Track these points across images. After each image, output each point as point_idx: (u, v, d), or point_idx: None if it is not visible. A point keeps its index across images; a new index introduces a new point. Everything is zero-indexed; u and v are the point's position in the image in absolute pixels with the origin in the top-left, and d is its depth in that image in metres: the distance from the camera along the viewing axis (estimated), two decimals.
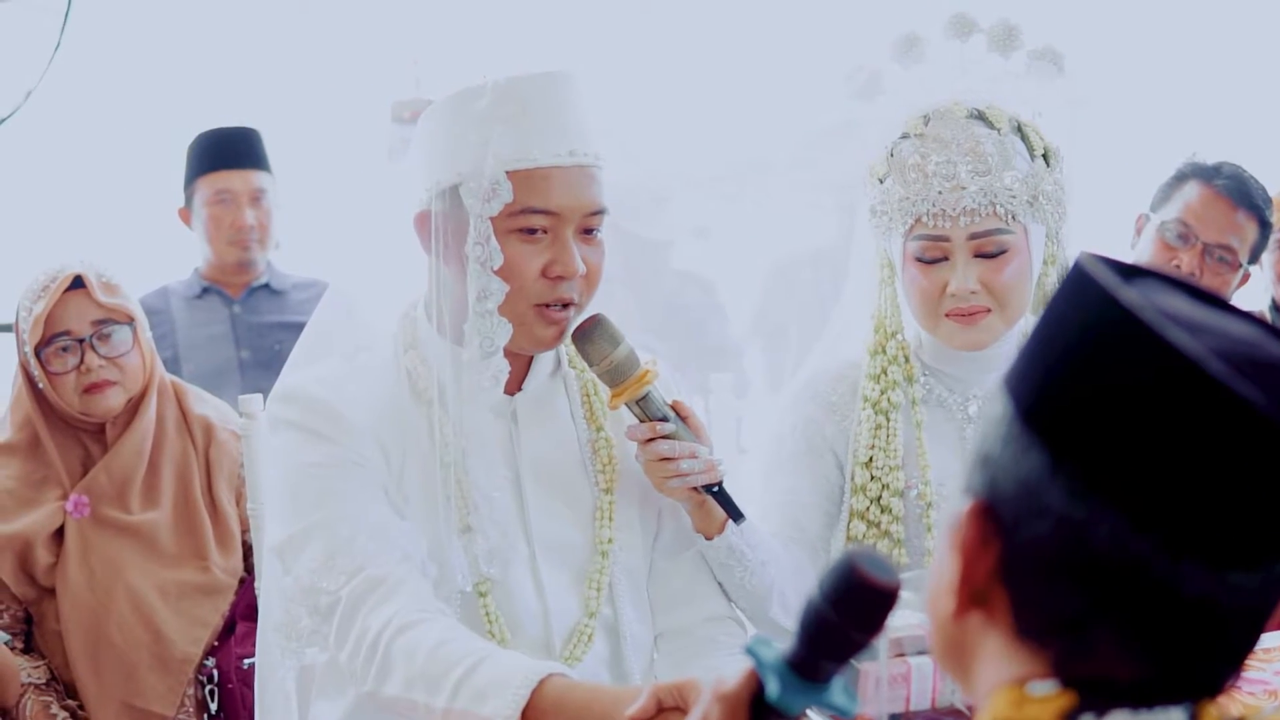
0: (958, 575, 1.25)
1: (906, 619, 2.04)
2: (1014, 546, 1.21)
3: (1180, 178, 3.91)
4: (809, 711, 1.47)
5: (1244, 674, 1.25)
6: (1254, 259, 3.91)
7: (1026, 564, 1.21)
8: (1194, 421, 1.12)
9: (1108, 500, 1.15)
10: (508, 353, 2.39)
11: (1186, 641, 1.18)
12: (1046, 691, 1.20)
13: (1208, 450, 1.12)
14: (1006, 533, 1.22)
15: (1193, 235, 3.85)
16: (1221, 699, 1.23)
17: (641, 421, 2.47)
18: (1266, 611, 1.20)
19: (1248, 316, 1.22)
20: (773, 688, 1.42)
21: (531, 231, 2.36)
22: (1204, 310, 1.21)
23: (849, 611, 1.38)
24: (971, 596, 1.25)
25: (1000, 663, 1.24)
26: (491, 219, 2.33)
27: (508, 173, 2.33)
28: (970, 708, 2.03)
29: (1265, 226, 3.88)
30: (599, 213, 2.41)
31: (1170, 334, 1.12)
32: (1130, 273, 1.22)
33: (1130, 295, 1.15)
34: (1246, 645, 1.22)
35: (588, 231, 2.42)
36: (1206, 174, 3.89)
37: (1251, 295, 4.11)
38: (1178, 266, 3.82)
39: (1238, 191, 3.85)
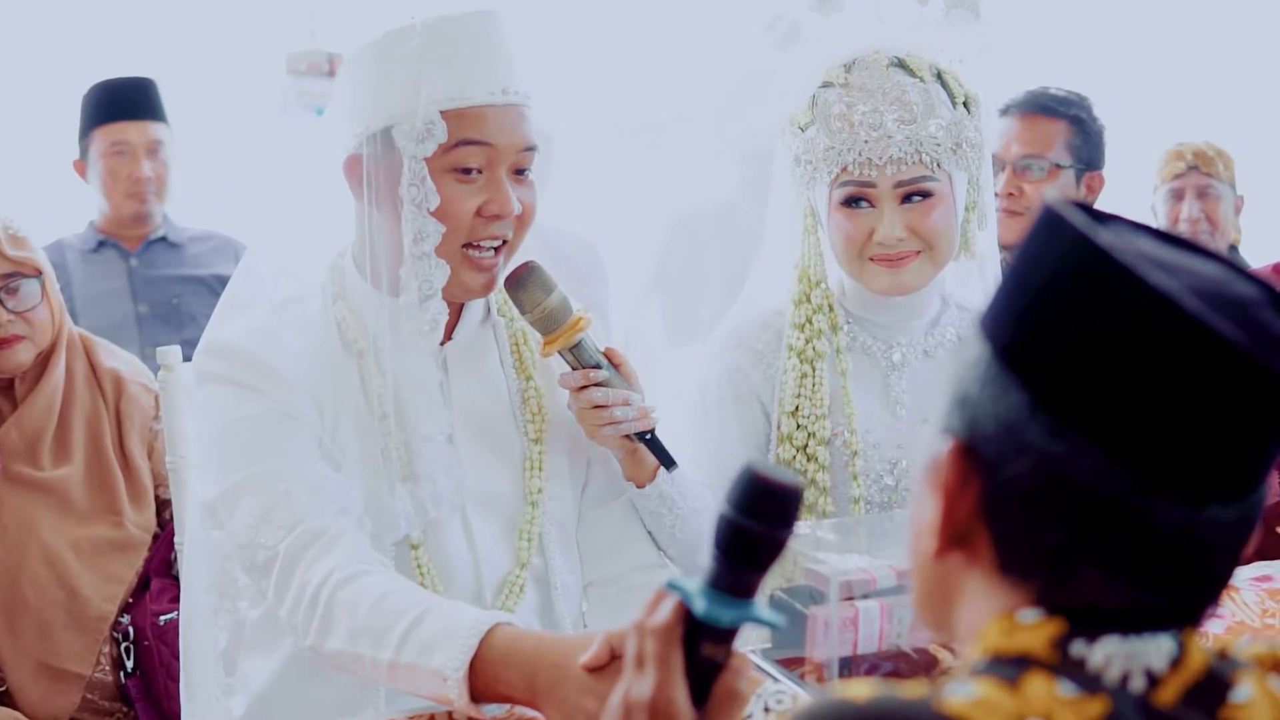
0: (939, 515, 1.27)
1: (853, 563, 2.05)
2: (995, 484, 1.23)
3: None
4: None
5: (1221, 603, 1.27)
6: (1088, 162, 3.97)
7: (1008, 501, 1.23)
8: (1170, 357, 1.15)
9: (1087, 435, 1.17)
10: None
11: (1168, 572, 1.20)
12: (1036, 618, 1.21)
13: (1183, 384, 1.15)
14: (988, 471, 1.23)
15: (999, 160, 3.95)
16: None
17: (574, 369, 2.47)
18: (1241, 542, 1.23)
19: (1214, 256, 1.24)
20: (699, 605, 1.46)
21: (466, 171, 2.34)
22: (1173, 251, 1.23)
23: (760, 512, 1.42)
24: (953, 536, 1.27)
25: (983, 600, 1.26)
26: (426, 160, 2.31)
27: (441, 113, 2.30)
28: (918, 649, 2.05)
29: (1077, 122, 3.96)
30: (531, 149, 2.40)
31: (1146, 272, 1.15)
32: (1098, 217, 1.24)
33: (1106, 236, 1.18)
34: (1225, 575, 1.24)
35: (519, 171, 2.40)
36: (1004, 109, 4.00)
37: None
38: (998, 195, 3.87)
39: (1028, 104, 3.98)
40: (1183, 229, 4.45)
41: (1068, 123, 3.92)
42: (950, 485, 1.26)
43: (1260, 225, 4.98)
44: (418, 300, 2.35)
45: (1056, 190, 3.90)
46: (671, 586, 1.49)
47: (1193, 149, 4.50)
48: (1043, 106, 3.93)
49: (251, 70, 5.88)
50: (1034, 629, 1.21)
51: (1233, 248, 4.59)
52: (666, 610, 1.49)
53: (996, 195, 3.89)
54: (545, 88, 2.52)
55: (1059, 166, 3.93)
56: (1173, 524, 1.17)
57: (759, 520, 1.42)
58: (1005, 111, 3.96)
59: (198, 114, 5.29)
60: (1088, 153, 3.95)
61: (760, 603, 1.47)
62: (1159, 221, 4.53)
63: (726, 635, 1.48)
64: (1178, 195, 4.51)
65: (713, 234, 5.23)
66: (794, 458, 2.72)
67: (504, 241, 2.40)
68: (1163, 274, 1.16)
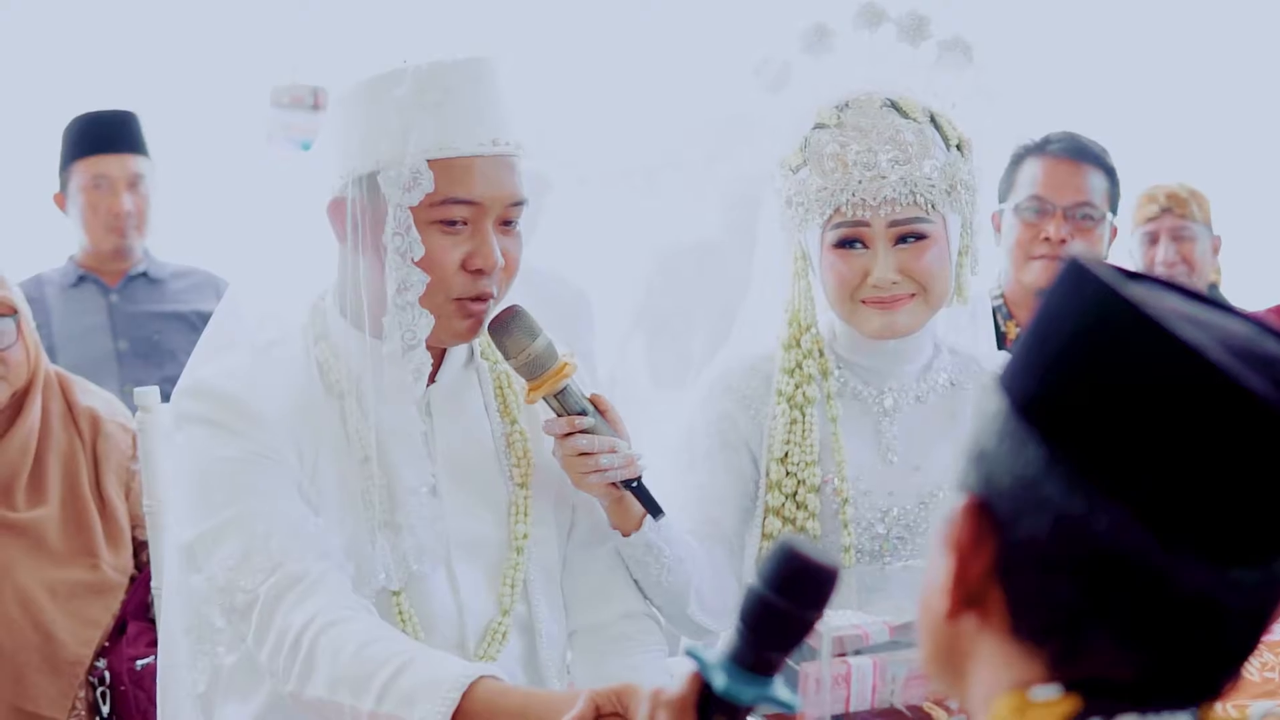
0: (952, 574, 1.23)
1: (846, 618, 2.02)
2: (1011, 543, 1.19)
3: (1016, 161, 3.98)
4: None
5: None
6: (1114, 209, 3.98)
7: (1024, 560, 1.19)
8: (1199, 413, 1.12)
9: (1109, 492, 1.14)
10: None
11: (1185, 640, 1.16)
12: (1050, 696, 1.18)
13: (1211, 441, 1.12)
14: (1003, 529, 1.20)
15: (1049, 204, 3.91)
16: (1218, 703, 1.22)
17: (559, 415, 2.42)
18: (1267, 613, 1.19)
19: (1241, 315, 1.21)
20: (719, 680, 1.43)
21: (452, 223, 2.30)
22: (1201, 308, 1.21)
23: (795, 593, 1.39)
24: (966, 597, 1.23)
25: (995, 666, 1.22)
26: (411, 209, 2.27)
27: (429, 161, 2.27)
28: (911, 707, 2.01)
29: (1111, 174, 3.97)
30: (519, 204, 2.36)
31: (1175, 326, 1.12)
32: (1124, 274, 1.21)
33: (1134, 290, 1.15)
34: (1246, 647, 1.20)
35: (506, 223, 2.36)
36: (1039, 147, 3.97)
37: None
38: (1046, 239, 3.87)
39: (1074, 149, 3.94)
40: (1159, 272, 4.42)
41: (1104, 172, 3.92)
42: (964, 543, 1.22)
43: (1240, 264, 4.98)
44: (400, 350, 2.31)
45: (1097, 239, 3.91)
46: (690, 655, 1.45)
47: (1165, 191, 4.50)
48: (1092, 155, 3.93)
49: (234, 103, 5.87)
50: (1047, 708, 1.17)
51: (1212, 287, 4.58)
52: (682, 682, 1.46)
53: (1047, 239, 3.89)
54: (537, 135, 2.48)
55: (1108, 220, 3.95)
56: (1193, 587, 1.14)
57: (792, 600, 1.39)
58: (1041, 151, 3.94)
59: (179, 147, 5.26)
60: (1114, 202, 3.96)
61: (779, 681, 1.44)
62: (1135, 265, 4.51)
63: (742, 711, 1.45)
64: (1152, 239, 4.50)
65: (697, 274, 5.22)
66: (783, 505, 2.68)
67: (489, 296, 2.37)
68: (1192, 329, 1.13)
